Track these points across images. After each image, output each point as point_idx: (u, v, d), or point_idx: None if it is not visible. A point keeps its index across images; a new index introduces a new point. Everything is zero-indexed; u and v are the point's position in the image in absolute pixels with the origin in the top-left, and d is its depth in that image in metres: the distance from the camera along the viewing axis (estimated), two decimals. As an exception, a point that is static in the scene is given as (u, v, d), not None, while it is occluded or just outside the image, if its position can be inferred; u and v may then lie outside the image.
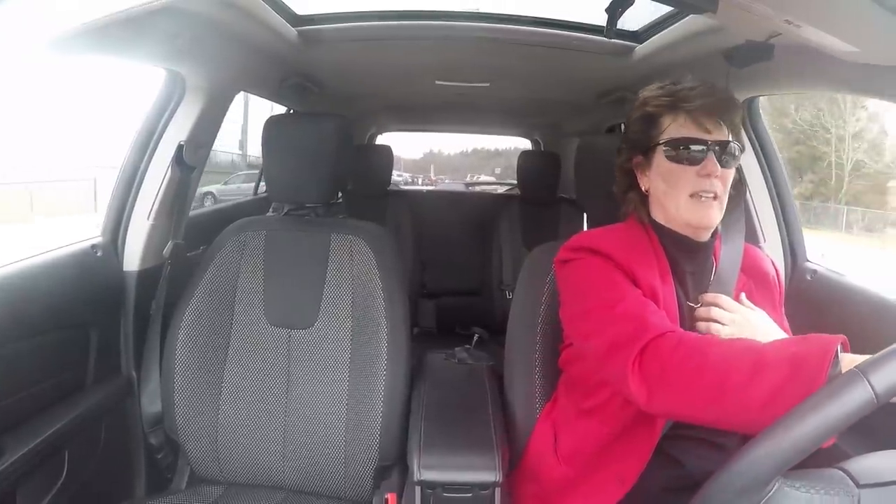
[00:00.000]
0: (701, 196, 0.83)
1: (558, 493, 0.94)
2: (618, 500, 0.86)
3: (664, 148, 0.86)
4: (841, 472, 0.55)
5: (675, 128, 0.85)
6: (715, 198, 0.84)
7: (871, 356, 0.55)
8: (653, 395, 0.72)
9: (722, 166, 0.83)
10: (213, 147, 1.53)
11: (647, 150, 0.89)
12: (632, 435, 0.86)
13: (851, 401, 0.52)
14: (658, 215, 0.91)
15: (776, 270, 0.98)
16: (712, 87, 0.87)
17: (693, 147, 0.83)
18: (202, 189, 2.76)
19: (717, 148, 0.83)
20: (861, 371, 0.53)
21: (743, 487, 0.54)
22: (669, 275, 0.89)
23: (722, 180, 0.84)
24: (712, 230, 0.90)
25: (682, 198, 0.84)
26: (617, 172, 0.96)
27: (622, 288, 0.82)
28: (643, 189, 0.92)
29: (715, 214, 0.85)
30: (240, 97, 1.60)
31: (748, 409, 0.64)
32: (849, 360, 0.60)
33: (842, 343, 0.63)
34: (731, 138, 0.85)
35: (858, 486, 0.54)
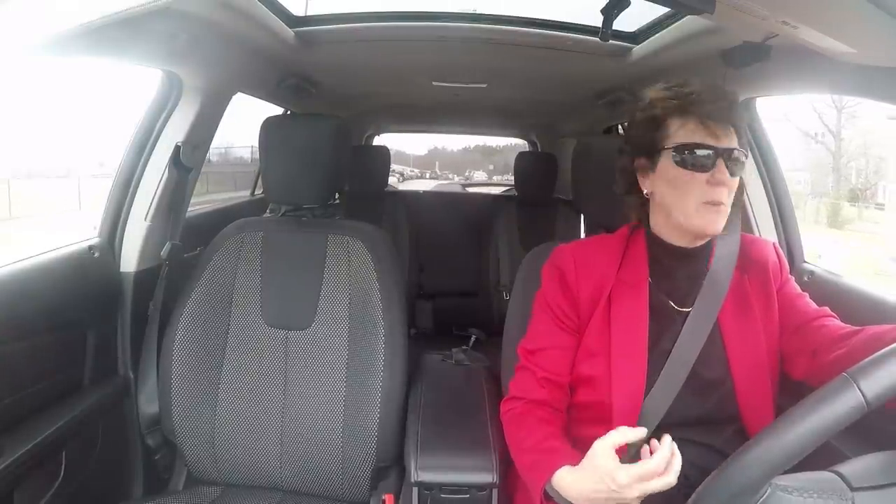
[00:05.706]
0: (710, 205, 0.82)
1: None
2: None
3: (672, 153, 0.83)
4: (834, 475, 0.54)
5: (684, 132, 0.82)
6: (722, 206, 0.82)
7: (862, 361, 0.54)
8: None
9: (730, 174, 0.81)
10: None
11: (652, 154, 0.86)
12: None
13: (841, 406, 0.52)
14: (658, 220, 0.90)
15: (777, 254, 0.95)
16: (722, 90, 0.84)
17: (701, 153, 0.81)
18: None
19: (725, 155, 0.81)
20: (850, 376, 0.53)
21: (734, 493, 0.53)
22: (645, 284, 0.89)
23: (729, 188, 0.82)
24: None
25: (691, 205, 0.82)
26: (617, 174, 0.93)
27: (550, 334, 0.93)
28: (645, 192, 0.89)
29: (721, 222, 0.83)
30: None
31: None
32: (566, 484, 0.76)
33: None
34: (738, 145, 0.83)
35: (852, 489, 0.53)
